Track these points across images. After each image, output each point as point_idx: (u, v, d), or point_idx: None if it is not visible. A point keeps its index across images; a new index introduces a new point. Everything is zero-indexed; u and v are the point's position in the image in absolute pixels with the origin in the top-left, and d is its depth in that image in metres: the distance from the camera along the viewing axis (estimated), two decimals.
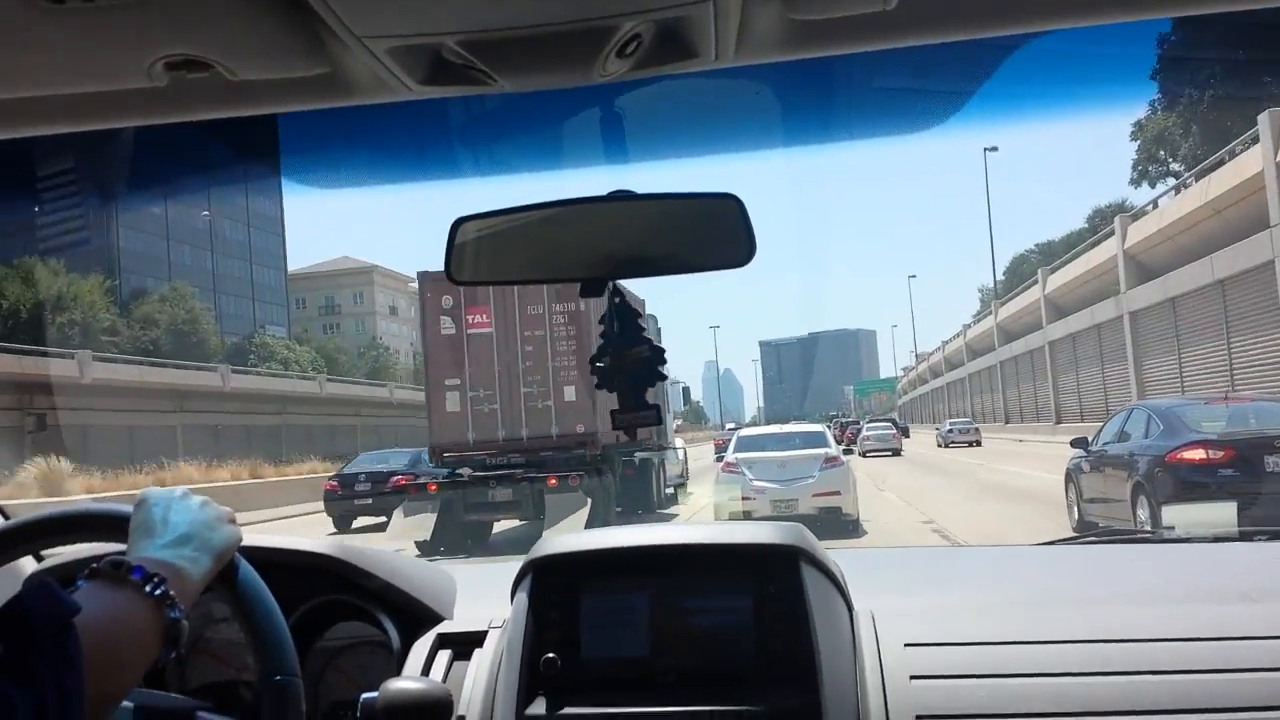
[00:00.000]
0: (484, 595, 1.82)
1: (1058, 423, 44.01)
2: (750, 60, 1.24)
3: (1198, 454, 9.90)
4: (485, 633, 1.71)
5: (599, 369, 1.42)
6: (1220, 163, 28.71)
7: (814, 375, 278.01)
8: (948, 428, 47.02)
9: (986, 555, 2.42)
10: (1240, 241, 24.83)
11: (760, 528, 1.71)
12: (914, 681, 1.53)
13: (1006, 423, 54.44)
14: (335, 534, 16.21)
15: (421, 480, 14.70)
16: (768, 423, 24.25)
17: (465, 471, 14.43)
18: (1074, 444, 12.60)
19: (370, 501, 17.49)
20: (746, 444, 14.97)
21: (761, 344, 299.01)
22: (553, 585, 1.65)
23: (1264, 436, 9.98)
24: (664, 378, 1.44)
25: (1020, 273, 77.59)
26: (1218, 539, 2.29)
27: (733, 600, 1.61)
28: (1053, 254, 68.23)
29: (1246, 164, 25.16)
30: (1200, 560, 2.09)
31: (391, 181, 2.08)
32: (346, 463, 20.49)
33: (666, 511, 17.83)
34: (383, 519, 15.60)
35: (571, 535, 1.75)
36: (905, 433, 47.69)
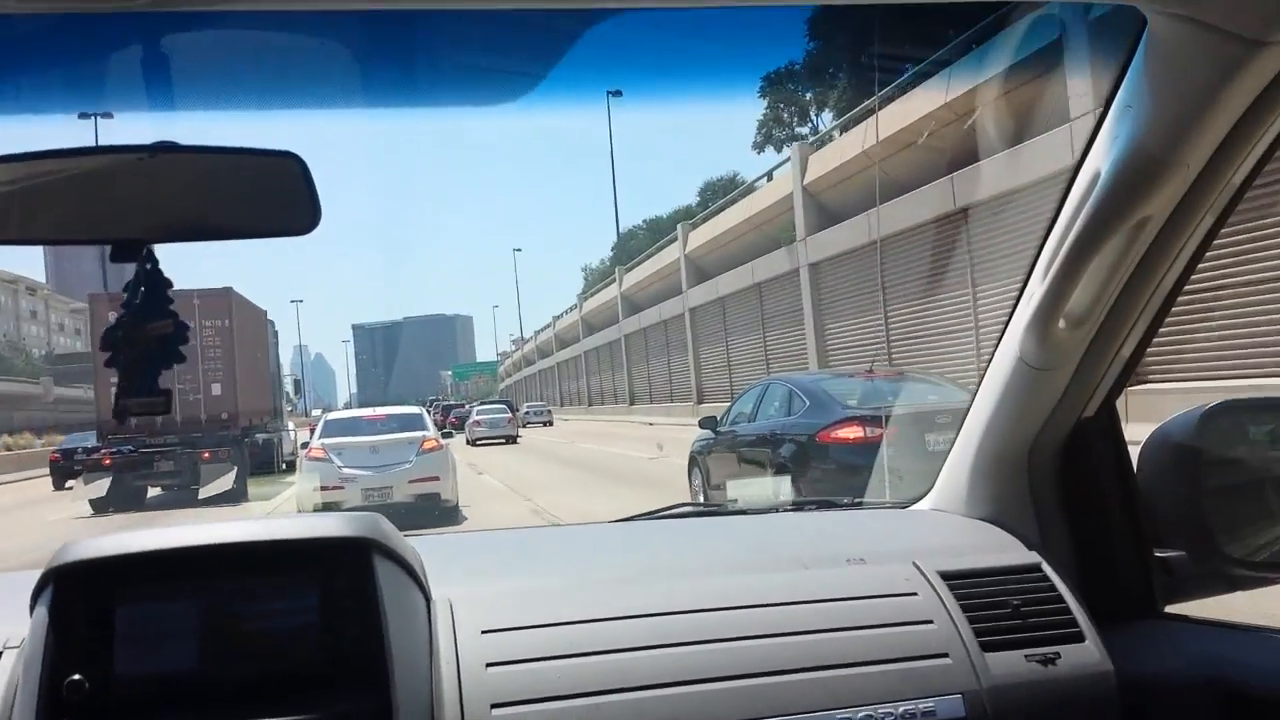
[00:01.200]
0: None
1: (700, 402, 37.39)
2: (321, 4, 1.18)
3: (853, 432, 9.31)
4: None
5: (109, 342, 1.30)
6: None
7: (407, 360, 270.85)
8: (524, 410, 48.83)
9: (568, 534, 2.48)
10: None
11: (329, 519, 1.59)
12: (490, 669, 1.53)
13: (632, 404, 47.84)
14: (55, 491, 21.58)
15: (97, 456, 18.28)
16: (361, 408, 22.88)
17: (129, 449, 18.04)
18: (703, 424, 11.90)
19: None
20: (334, 428, 14.00)
21: (354, 327, 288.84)
22: (80, 596, 1.45)
23: (922, 412, 9.31)
24: (182, 359, 1.32)
25: (629, 249, 72.56)
26: (775, 509, 2.49)
27: (297, 600, 1.49)
28: (661, 230, 63.49)
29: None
30: (762, 530, 2.22)
31: None
32: (62, 442, 26.27)
33: (286, 480, 19.58)
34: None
35: (105, 538, 1.51)
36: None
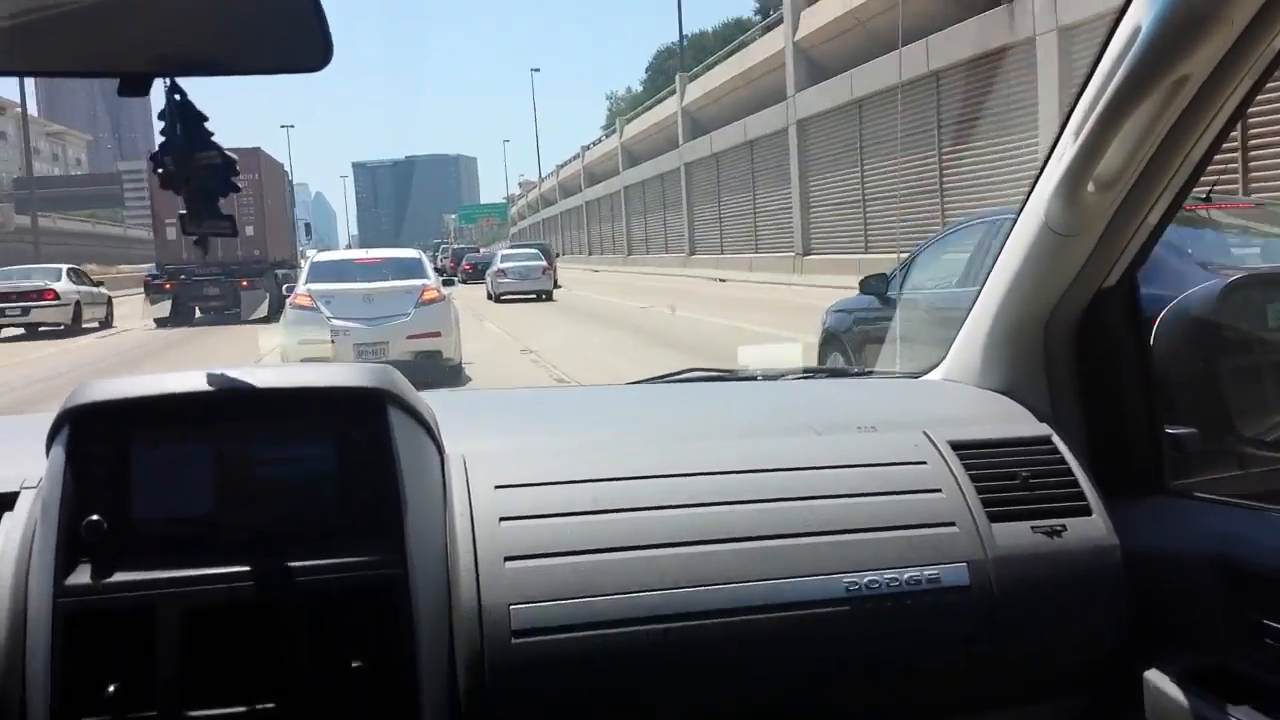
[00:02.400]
0: (15, 451, 1.60)
1: (806, 252, 27.19)
2: None
3: None
4: (16, 494, 1.53)
5: (162, 173, 1.35)
6: None
7: (409, 201, 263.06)
8: None
9: (581, 394, 2.52)
10: None
11: (343, 369, 1.59)
12: (503, 524, 1.55)
13: (691, 254, 37.41)
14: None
15: (159, 280, 23.18)
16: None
17: (184, 276, 23.28)
18: (866, 286, 7.79)
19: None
20: (323, 272, 12.39)
21: (355, 165, 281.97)
22: (96, 437, 1.47)
23: None
24: (236, 189, 1.39)
25: (668, 69, 60.54)
26: (785, 376, 2.40)
27: (312, 449, 1.51)
28: (705, 48, 51.93)
29: None
30: (773, 396, 2.21)
31: None
32: (150, 268, 26.70)
33: None
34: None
35: (120, 380, 1.53)
36: None
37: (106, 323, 24.18)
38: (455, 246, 54.81)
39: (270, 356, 13.28)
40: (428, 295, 11.73)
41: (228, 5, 1.27)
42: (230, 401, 1.48)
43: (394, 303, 11.52)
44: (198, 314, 23.44)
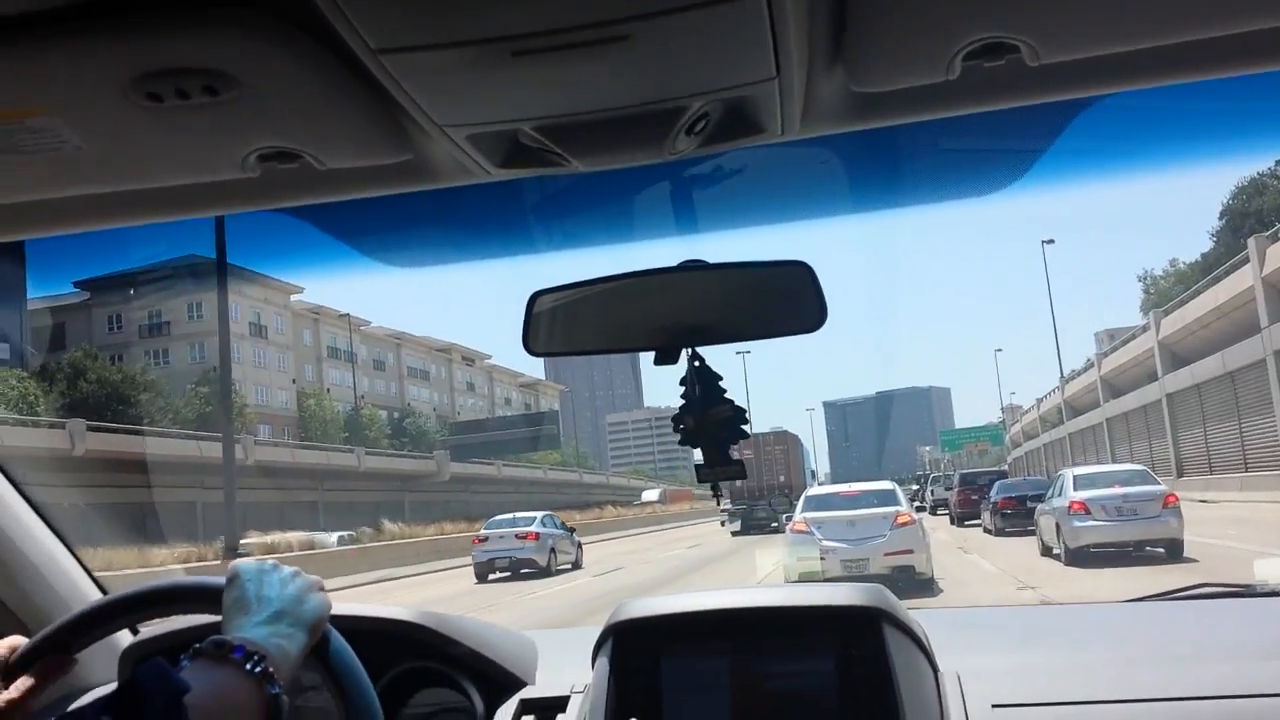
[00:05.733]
0: (566, 661, 1.91)
1: None
2: (815, 133, 1.33)
3: None
4: (567, 698, 1.81)
5: (681, 430, 1.49)
6: None
7: (881, 434, 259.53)
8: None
9: (1073, 613, 2.49)
10: None
11: (840, 589, 1.77)
12: None
13: None
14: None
15: (739, 506, 38.69)
16: (836, 484, 22.38)
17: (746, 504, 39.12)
18: None
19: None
20: (814, 503, 16.01)
21: (826, 405, 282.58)
22: (634, 649, 1.74)
23: None
24: (746, 435, 1.51)
25: (1257, 209, 45.87)
26: None
27: (815, 663, 1.67)
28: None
29: None
30: None
31: (467, 259, 2.17)
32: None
33: None
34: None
35: (652, 599, 1.83)
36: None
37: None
38: (963, 472, 42.13)
39: (767, 575, 17.10)
40: (901, 520, 14.72)
41: (740, 283, 1.47)
42: (745, 618, 1.73)
43: (873, 526, 14.57)
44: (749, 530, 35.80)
